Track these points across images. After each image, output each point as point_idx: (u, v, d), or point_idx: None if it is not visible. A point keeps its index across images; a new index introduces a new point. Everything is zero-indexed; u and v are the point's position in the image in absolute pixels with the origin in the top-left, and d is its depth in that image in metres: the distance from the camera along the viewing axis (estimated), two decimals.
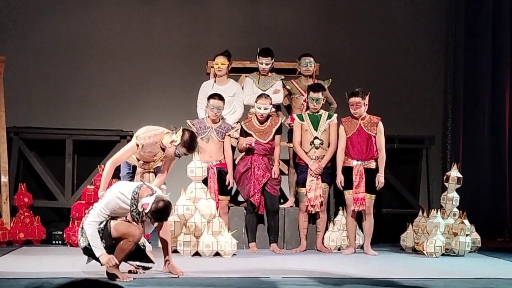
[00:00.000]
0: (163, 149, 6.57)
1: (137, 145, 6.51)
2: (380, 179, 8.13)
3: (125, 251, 6.02)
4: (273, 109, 8.47)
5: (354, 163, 8.13)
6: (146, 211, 5.88)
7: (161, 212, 5.92)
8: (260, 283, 6.18)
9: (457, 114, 10.85)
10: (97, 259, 6.06)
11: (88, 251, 6.06)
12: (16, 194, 8.57)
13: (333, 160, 8.29)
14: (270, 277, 6.44)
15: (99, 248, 5.95)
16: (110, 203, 5.98)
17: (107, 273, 6.07)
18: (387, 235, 8.90)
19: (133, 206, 5.93)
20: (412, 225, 8.47)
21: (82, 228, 6.08)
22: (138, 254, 6.20)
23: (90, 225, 5.96)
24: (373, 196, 8.17)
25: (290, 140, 8.63)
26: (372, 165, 8.15)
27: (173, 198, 7.49)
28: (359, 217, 8.25)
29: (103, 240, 5.98)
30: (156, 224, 6.18)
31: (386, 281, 6.39)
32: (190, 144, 6.44)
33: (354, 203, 8.09)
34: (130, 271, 6.39)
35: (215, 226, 7.81)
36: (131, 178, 6.94)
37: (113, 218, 6.06)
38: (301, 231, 8.36)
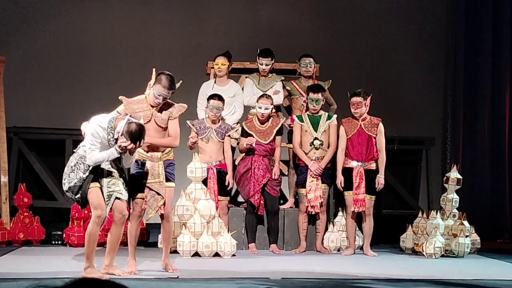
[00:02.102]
0: (152, 106, 6.64)
1: (123, 104, 6.66)
2: (380, 180, 8.13)
3: (91, 234, 6.19)
4: (273, 110, 8.47)
5: (354, 164, 8.12)
6: (120, 134, 6.08)
7: (134, 132, 6.06)
8: (260, 283, 6.18)
9: (457, 115, 10.83)
10: (79, 202, 6.28)
11: (71, 191, 6.24)
12: (15, 194, 8.57)
13: (333, 160, 8.29)
14: (270, 278, 6.44)
15: (110, 153, 6.13)
16: (95, 132, 6.17)
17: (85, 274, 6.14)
18: (387, 236, 8.90)
19: (110, 135, 6.17)
20: (412, 226, 8.47)
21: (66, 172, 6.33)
22: None
23: (91, 153, 6.14)
24: (373, 197, 8.17)
25: (290, 141, 8.62)
26: (372, 166, 8.15)
27: (172, 199, 7.49)
28: (359, 218, 8.25)
29: (80, 191, 6.18)
30: (135, 156, 6.34)
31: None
32: (164, 80, 6.49)
33: (354, 204, 8.09)
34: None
35: (214, 227, 7.81)
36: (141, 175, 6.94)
37: (94, 180, 6.22)
38: (301, 232, 8.36)
